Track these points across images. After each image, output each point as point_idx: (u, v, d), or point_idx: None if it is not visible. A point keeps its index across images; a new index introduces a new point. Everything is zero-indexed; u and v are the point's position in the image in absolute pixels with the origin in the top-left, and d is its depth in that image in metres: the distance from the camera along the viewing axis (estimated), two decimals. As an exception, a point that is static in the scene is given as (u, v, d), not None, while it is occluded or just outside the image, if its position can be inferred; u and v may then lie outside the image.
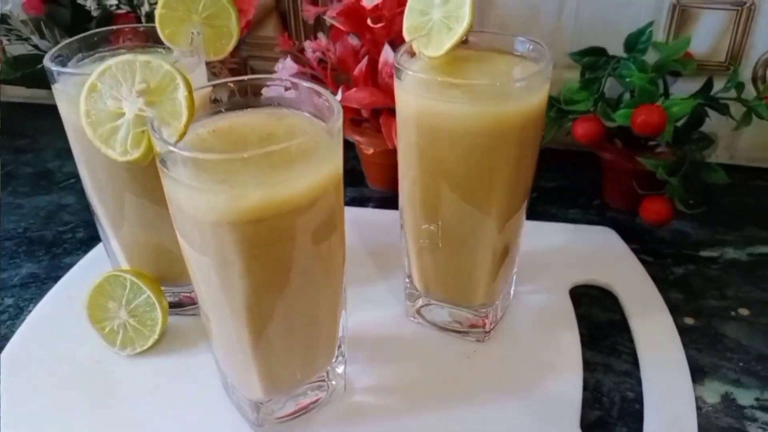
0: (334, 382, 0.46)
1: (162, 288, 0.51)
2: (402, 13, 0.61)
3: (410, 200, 0.49)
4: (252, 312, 0.38)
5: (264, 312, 0.38)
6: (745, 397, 0.47)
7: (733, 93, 0.61)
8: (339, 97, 0.62)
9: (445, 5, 0.45)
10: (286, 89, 0.40)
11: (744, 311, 0.55)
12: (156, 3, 0.62)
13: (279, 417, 0.44)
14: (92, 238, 0.66)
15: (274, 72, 0.65)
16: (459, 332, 0.52)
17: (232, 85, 0.40)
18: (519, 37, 0.46)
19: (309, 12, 0.70)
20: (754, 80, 0.69)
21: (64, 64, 0.47)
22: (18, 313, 0.57)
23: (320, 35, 0.69)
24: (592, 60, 0.61)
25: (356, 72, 0.64)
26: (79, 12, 0.65)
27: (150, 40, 0.51)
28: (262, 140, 0.38)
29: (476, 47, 0.48)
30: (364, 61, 0.64)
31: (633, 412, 0.46)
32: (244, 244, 0.35)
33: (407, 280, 0.53)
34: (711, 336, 0.53)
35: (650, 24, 0.61)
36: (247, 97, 0.41)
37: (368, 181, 0.74)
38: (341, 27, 0.63)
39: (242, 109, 0.41)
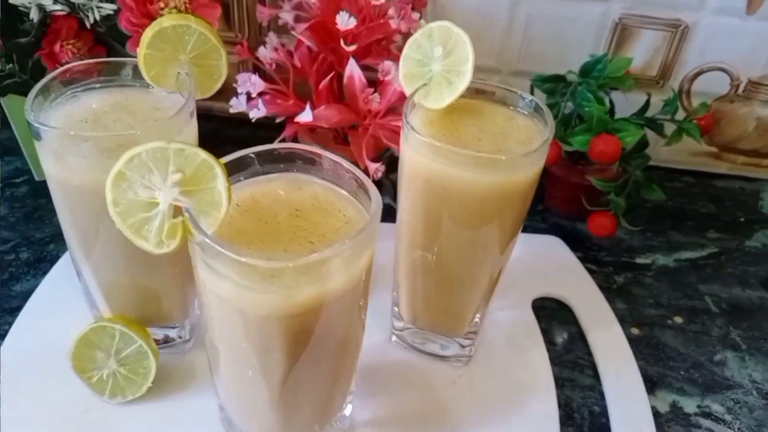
0: (339, 423, 0.48)
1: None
2: (370, 30, 0.61)
3: (409, 233, 0.49)
4: (286, 383, 0.39)
5: (297, 381, 0.39)
6: (689, 405, 0.55)
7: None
8: (309, 115, 0.61)
9: (447, 59, 0.46)
10: (312, 163, 0.40)
11: (678, 319, 0.63)
12: (102, 7, 0.57)
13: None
14: (39, 260, 0.62)
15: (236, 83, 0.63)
16: (442, 357, 0.55)
17: (252, 155, 0.39)
18: (520, 93, 0.48)
19: (263, 14, 0.67)
20: (680, 93, 0.76)
21: (40, 109, 0.43)
22: (-23, 356, 0.53)
23: (271, 34, 0.67)
24: (552, 86, 0.64)
25: (321, 87, 0.63)
26: (10, 12, 0.58)
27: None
28: (292, 217, 0.38)
29: (468, 94, 0.49)
30: (329, 76, 0.63)
31: (601, 426, 0.52)
32: (289, 333, 0.36)
33: (395, 308, 0.55)
34: (654, 345, 0.60)
35: (606, 54, 0.65)
36: (265, 164, 0.40)
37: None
38: (308, 43, 0.61)
39: (259, 176, 0.40)
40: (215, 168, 0.34)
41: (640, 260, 0.69)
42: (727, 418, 0.54)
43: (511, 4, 0.71)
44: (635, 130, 0.61)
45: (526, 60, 0.75)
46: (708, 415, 0.54)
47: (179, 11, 0.56)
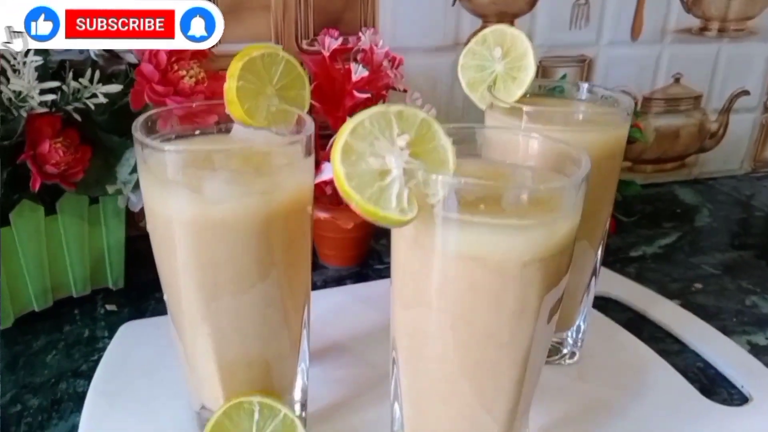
0: None
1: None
2: (373, 81, 0.63)
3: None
4: (529, 360, 0.36)
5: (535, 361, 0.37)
6: (760, 339, 0.59)
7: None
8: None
9: (507, 57, 0.49)
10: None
11: (698, 285, 0.69)
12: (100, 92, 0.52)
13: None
14: (56, 402, 0.49)
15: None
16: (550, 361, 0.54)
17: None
18: (573, 83, 0.52)
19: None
20: (595, 119, 0.87)
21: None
22: None
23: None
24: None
25: (327, 149, 0.63)
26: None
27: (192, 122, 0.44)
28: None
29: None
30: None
31: (715, 376, 0.54)
32: (547, 278, 0.34)
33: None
34: (699, 308, 0.64)
35: (564, 76, 0.73)
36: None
37: (322, 260, 0.71)
38: (317, 106, 0.61)
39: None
40: (434, 126, 0.33)
41: (633, 254, 0.75)
42: (791, 340, 0.60)
43: (452, 65, 0.78)
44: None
45: (470, 110, 0.81)
46: (778, 342, 0.59)
47: (197, 80, 0.53)
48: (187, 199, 0.36)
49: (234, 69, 0.41)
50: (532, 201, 0.33)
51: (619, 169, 0.49)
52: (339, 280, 0.68)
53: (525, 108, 0.46)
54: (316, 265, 0.70)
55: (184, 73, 0.52)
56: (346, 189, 0.31)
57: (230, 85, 0.41)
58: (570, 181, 0.33)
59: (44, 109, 0.52)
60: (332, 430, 0.46)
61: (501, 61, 0.49)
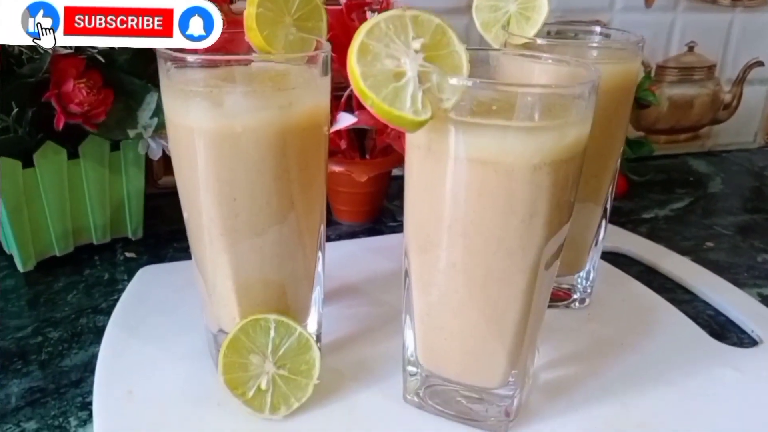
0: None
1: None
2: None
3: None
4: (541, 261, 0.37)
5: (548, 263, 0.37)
6: (771, 292, 0.60)
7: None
8: (351, 118, 0.60)
9: (519, -3, 0.50)
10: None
11: (710, 244, 0.69)
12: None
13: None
14: (77, 335, 0.51)
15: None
16: (561, 301, 0.54)
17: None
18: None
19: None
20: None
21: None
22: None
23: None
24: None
25: (343, 98, 0.64)
26: (5, 55, 0.52)
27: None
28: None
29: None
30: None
31: (724, 323, 0.55)
32: (557, 186, 0.34)
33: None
34: (710, 263, 0.64)
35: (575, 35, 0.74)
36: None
37: (336, 215, 0.72)
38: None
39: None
40: (448, 32, 0.34)
41: (646, 216, 0.76)
42: (802, 294, 0.60)
43: (464, 28, 0.79)
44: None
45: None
46: (788, 295, 0.59)
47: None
48: (206, 111, 0.37)
49: (252, -4, 0.43)
50: (543, 107, 0.34)
51: (631, 101, 0.50)
52: (352, 235, 0.69)
53: (539, 41, 0.46)
54: (329, 221, 0.71)
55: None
56: (361, 88, 0.32)
57: (250, 12, 0.42)
58: (580, 86, 0.34)
59: (68, 50, 0.53)
60: (346, 360, 0.47)
61: (514, 2, 0.50)
